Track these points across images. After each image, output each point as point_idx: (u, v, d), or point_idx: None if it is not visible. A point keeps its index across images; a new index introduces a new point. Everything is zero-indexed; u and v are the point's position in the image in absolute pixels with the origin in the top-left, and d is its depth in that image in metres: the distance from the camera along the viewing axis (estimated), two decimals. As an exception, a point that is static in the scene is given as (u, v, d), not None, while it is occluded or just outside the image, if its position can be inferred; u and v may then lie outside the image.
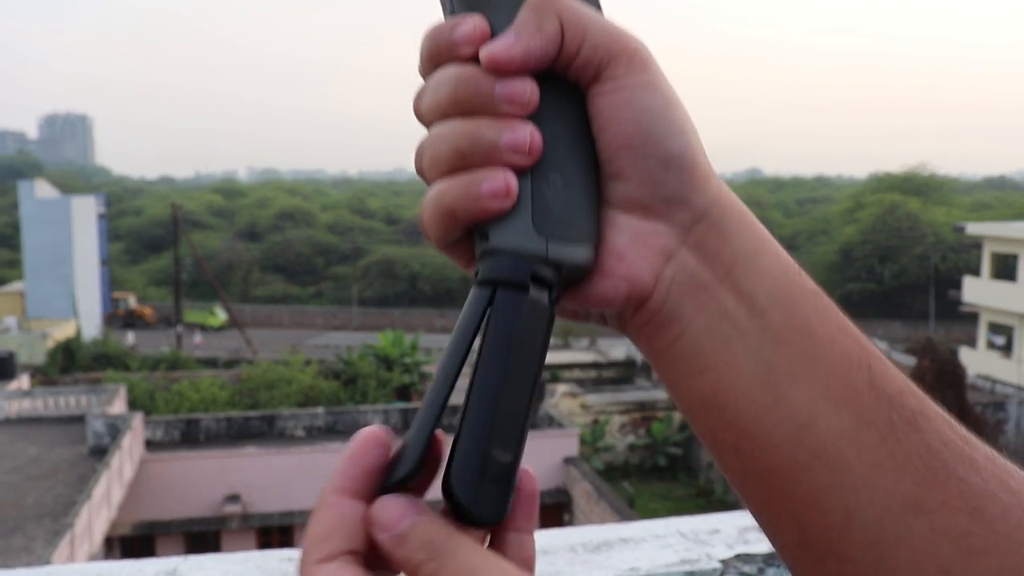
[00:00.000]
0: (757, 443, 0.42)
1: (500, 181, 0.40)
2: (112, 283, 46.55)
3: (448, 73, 0.42)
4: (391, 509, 0.37)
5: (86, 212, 40.83)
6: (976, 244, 29.20)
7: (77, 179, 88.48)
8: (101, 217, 43.22)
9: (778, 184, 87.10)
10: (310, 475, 17.49)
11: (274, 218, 60.71)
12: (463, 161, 0.41)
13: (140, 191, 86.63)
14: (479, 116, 0.41)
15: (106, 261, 44.36)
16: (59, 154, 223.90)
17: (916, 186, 51.10)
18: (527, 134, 0.41)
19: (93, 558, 13.78)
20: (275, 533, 18.22)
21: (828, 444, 0.41)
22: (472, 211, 0.41)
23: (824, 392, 0.41)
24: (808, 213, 61.14)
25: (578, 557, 1.12)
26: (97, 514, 14.39)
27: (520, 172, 0.41)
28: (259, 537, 18.20)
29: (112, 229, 53.11)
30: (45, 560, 11.65)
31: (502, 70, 0.41)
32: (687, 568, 1.09)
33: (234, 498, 17.73)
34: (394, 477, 0.37)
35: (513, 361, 0.38)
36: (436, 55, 0.43)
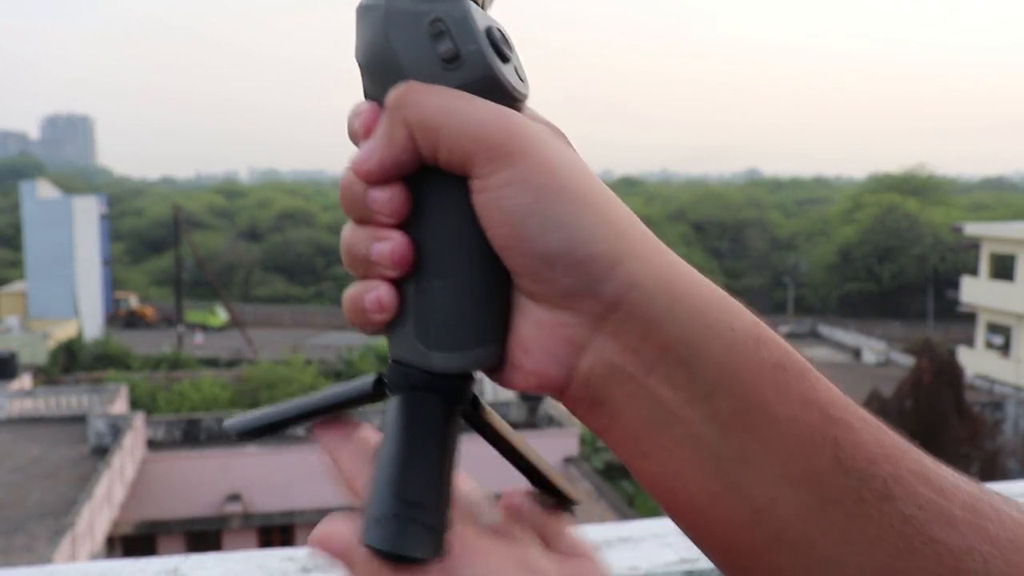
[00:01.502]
0: (712, 526, 0.39)
1: (374, 297, 0.41)
2: (114, 283, 46.54)
3: (343, 175, 0.42)
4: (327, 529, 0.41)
5: (88, 212, 40.82)
6: (974, 244, 29.22)
7: (79, 180, 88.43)
8: (103, 217, 43.18)
9: (777, 185, 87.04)
10: (311, 475, 17.53)
11: (275, 218, 60.65)
12: (352, 269, 0.42)
13: (141, 192, 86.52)
14: (362, 223, 0.42)
15: (108, 261, 44.35)
16: (61, 155, 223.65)
17: (915, 187, 51.11)
18: (388, 248, 0.40)
19: (95, 557, 13.83)
20: (276, 532, 18.27)
21: (790, 526, 0.38)
22: (363, 324, 0.42)
23: (782, 475, 0.38)
24: (807, 214, 61.07)
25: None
26: (99, 513, 14.44)
27: (399, 281, 0.41)
28: (260, 536, 18.24)
29: (114, 229, 53.05)
30: (47, 559, 11.70)
31: (365, 181, 0.40)
32: (687, 567, 1.10)
33: (235, 497, 17.78)
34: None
35: (402, 450, 0.40)
36: (351, 138, 0.43)
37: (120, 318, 43.91)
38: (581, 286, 0.38)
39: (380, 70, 0.41)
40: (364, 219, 0.41)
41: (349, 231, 0.42)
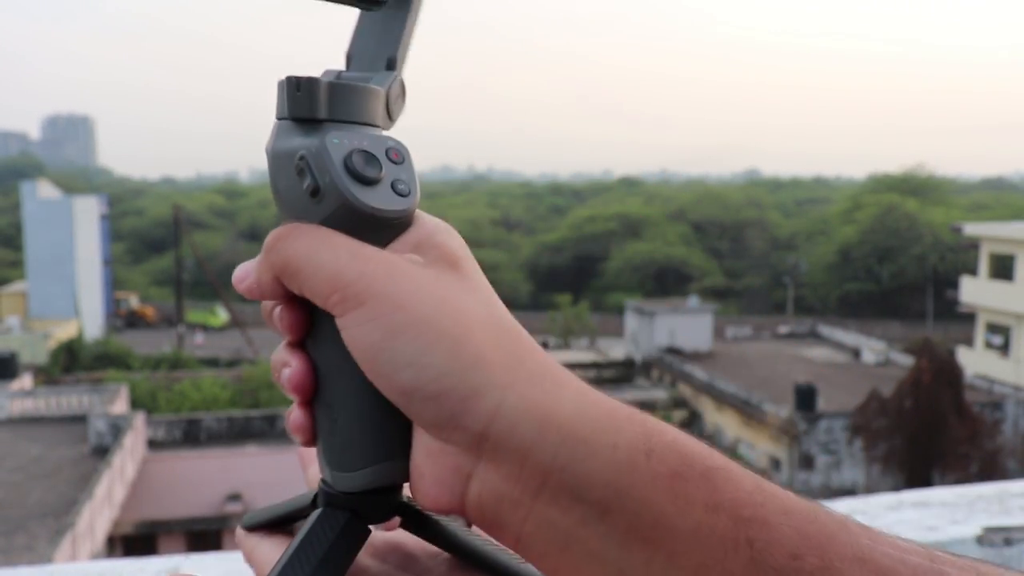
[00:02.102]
0: None
1: (291, 419, 0.44)
2: (114, 283, 46.57)
3: None
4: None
5: (88, 213, 40.84)
6: (974, 244, 29.24)
7: (79, 180, 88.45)
8: (103, 217, 43.21)
9: (777, 185, 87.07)
10: (311, 475, 17.49)
11: (275, 219, 60.45)
12: (279, 388, 0.45)
13: (142, 192, 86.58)
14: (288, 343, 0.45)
15: (108, 261, 44.37)
16: (61, 155, 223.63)
17: (914, 187, 51.19)
18: (287, 374, 0.43)
19: (95, 557, 13.84)
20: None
21: None
22: (297, 440, 0.45)
23: None
24: (806, 214, 61.12)
25: None
26: (99, 513, 14.46)
27: (312, 401, 0.44)
28: (260, 536, 18.24)
29: (114, 229, 53.07)
30: (48, 559, 11.72)
31: (246, 296, 0.45)
32: None
33: (235, 497, 17.78)
34: None
35: (286, 564, 0.42)
36: None
37: (120, 318, 43.94)
38: (444, 419, 0.39)
39: (276, 205, 0.45)
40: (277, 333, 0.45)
41: (276, 350, 0.46)
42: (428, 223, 0.45)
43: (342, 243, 0.41)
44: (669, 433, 0.39)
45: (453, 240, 0.45)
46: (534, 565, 0.40)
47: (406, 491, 0.46)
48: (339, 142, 0.42)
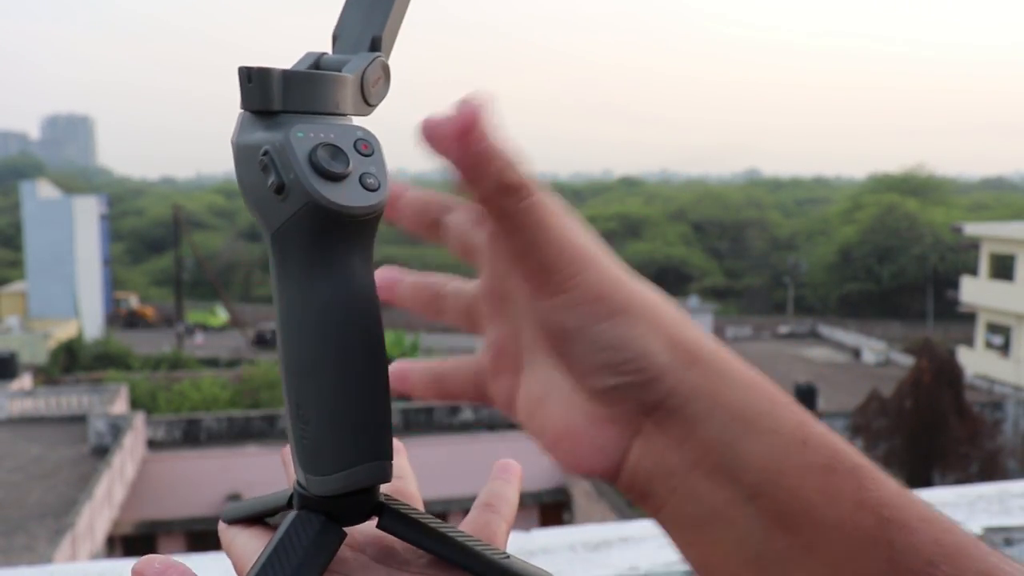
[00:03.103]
0: None
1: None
2: (114, 283, 46.55)
3: None
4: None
5: (88, 212, 40.81)
6: (974, 244, 29.23)
7: (79, 180, 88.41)
8: (103, 217, 43.19)
9: (777, 185, 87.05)
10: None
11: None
12: None
13: (142, 191, 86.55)
14: None
15: (108, 261, 44.36)
16: (61, 155, 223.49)
17: (914, 187, 51.19)
18: None
19: (95, 557, 13.84)
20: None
21: None
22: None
23: None
24: (807, 214, 61.12)
25: (578, 556, 1.15)
26: (99, 513, 14.45)
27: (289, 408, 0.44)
28: (260, 536, 18.24)
29: (114, 229, 53.06)
30: (47, 559, 11.71)
31: None
32: (687, 567, 1.11)
33: (235, 497, 17.77)
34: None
35: (265, 567, 0.42)
36: None
37: (120, 318, 43.90)
38: (622, 393, 0.40)
39: (244, 201, 0.44)
40: None
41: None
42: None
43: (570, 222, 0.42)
44: (820, 425, 0.40)
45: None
46: (671, 533, 0.42)
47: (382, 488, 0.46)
48: (304, 136, 0.41)
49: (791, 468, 0.39)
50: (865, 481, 0.39)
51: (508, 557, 0.47)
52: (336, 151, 0.41)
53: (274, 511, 0.48)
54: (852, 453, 0.40)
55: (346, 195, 0.41)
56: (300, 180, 0.40)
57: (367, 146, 0.43)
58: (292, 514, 0.44)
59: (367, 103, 0.44)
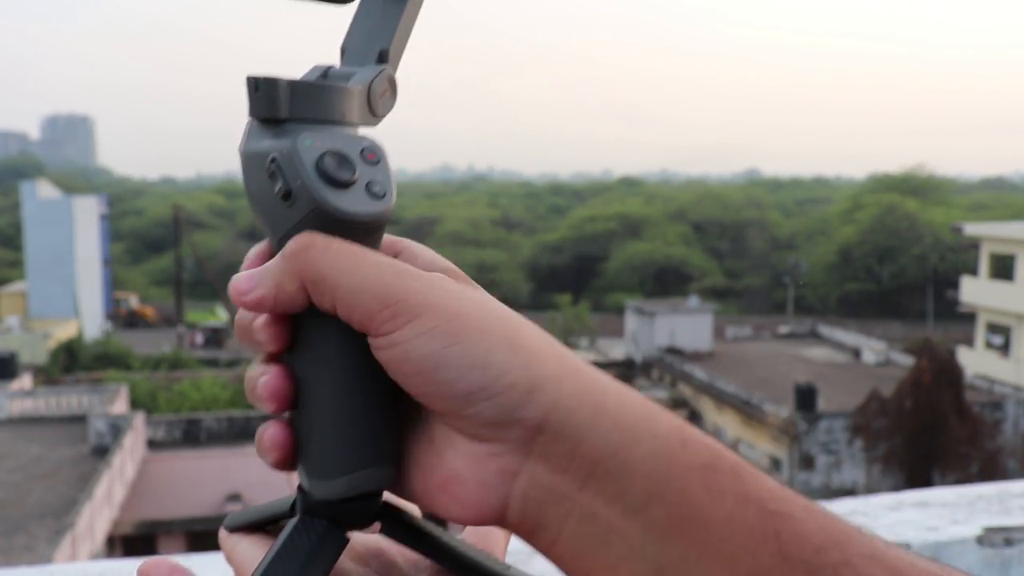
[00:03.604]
0: None
1: (268, 434, 0.43)
2: (114, 283, 46.57)
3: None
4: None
5: (88, 212, 40.85)
6: (974, 244, 29.26)
7: (79, 180, 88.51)
8: (103, 217, 43.21)
9: (777, 185, 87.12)
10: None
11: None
12: (251, 400, 0.44)
13: (142, 191, 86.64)
14: (257, 351, 0.44)
15: (108, 261, 44.38)
16: (61, 155, 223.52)
17: (914, 187, 51.23)
18: (264, 382, 0.42)
19: (95, 557, 13.84)
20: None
21: None
22: (265, 459, 0.44)
23: None
24: (807, 214, 61.16)
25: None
26: (99, 513, 14.46)
27: (284, 411, 0.44)
28: (260, 536, 18.25)
29: (114, 229, 53.07)
30: (47, 559, 11.72)
31: (241, 307, 0.43)
32: None
33: (235, 497, 17.78)
34: None
35: (267, 571, 0.42)
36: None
37: (120, 318, 43.93)
38: (504, 416, 0.39)
39: (251, 207, 0.44)
40: (255, 346, 0.44)
41: (253, 364, 0.44)
42: (422, 250, 0.46)
43: (381, 260, 0.42)
44: (694, 428, 0.41)
45: (450, 262, 0.46)
46: (566, 567, 0.41)
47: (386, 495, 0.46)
48: (311, 144, 0.41)
49: (675, 470, 0.39)
50: (746, 476, 0.39)
51: (509, 568, 0.47)
52: (343, 159, 0.42)
53: (277, 518, 0.48)
54: (729, 452, 0.40)
55: (352, 202, 0.41)
56: (307, 187, 0.41)
57: (373, 155, 0.43)
58: (294, 520, 0.44)
59: (373, 114, 0.45)
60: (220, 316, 44.06)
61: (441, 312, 0.40)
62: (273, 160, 0.41)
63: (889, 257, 45.99)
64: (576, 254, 54.34)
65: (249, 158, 0.43)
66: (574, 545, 0.40)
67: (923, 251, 45.03)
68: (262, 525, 0.50)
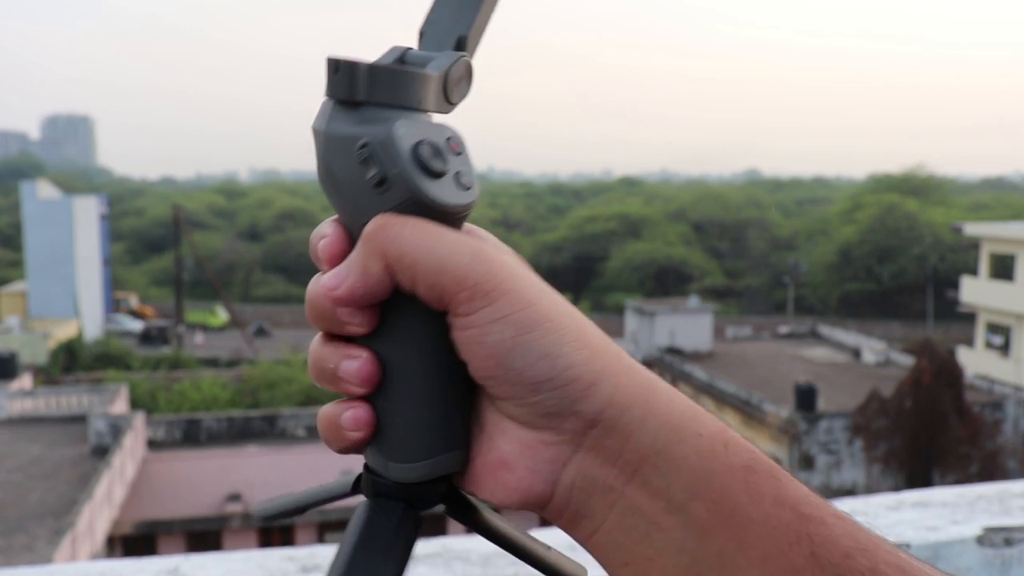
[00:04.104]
0: None
1: (351, 415, 0.43)
2: (114, 283, 46.55)
3: (310, 287, 0.44)
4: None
5: (88, 212, 40.82)
6: (974, 244, 29.24)
7: (79, 180, 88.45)
8: (103, 217, 43.19)
9: (777, 185, 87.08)
10: (311, 474, 17.53)
11: (275, 218, 60.69)
12: (320, 382, 0.45)
13: (142, 192, 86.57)
14: (330, 335, 0.44)
15: (108, 261, 44.35)
16: (61, 155, 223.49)
17: (914, 187, 51.17)
18: (355, 366, 0.43)
19: (95, 557, 13.84)
20: (276, 532, 18.28)
21: None
22: (339, 441, 0.44)
23: None
24: (807, 214, 61.12)
25: (578, 556, 1.15)
26: (99, 513, 14.45)
27: (366, 396, 0.44)
28: (260, 536, 18.26)
29: (114, 229, 53.04)
30: (47, 559, 11.70)
31: (335, 306, 0.43)
32: None
33: (235, 497, 17.79)
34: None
35: (349, 555, 0.43)
36: (312, 257, 0.45)
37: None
38: (563, 407, 0.41)
39: (328, 190, 0.43)
40: (332, 332, 0.44)
41: (318, 345, 0.45)
42: (486, 236, 0.45)
43: (459, 239, 0.42)
44: (733, 431, 0.43)
45: (511, 250, 0.46)
46: (604, 556, 0.42)
47: None
48: (405, 131, 0.41)
49: (718, 469, 0.40)
50: (783, 480, 0.41)
51: (549, 549, 0.49)
52: (436, 148, 0.42)
53: (332, 499, 0.49)
54: (766, 457, 0.42)
55: (446, 193, 0.42)
56: (404, 175, 0.41)
57: (457, 145, 0.43)
58: (367, 503, 0.45)
59: (448, 102, 0.44)
60: (220, 316, 44.06)
61: (517, 299, 0.41)
62: (365, 145, 0.41)
63: (889, 257, 45.96)
64: (576, 254, 54.31)
65: (333, 140, 0.42)
66: (615, 536, 0.41)
67: (923, 251, 45.00)
68: (305, 509, 0.50)
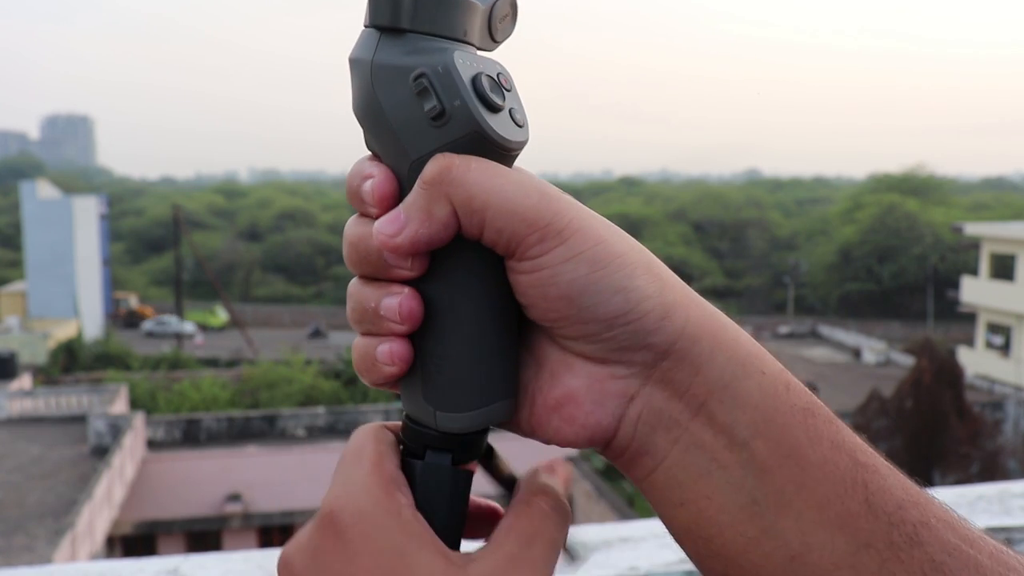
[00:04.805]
0: (745, 572, 0.40)
1: (386, 349, 0.42)
2: (113, 283, 46.53)
3: (350, 230, 0.43)
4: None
5: (88, 212, 40.81)
6: (974, 244, 29.24)
7: (79, 179, 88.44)
8: (102, 217, 43.18)
9: (777, 185, 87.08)
10: (311, 474, 17.53)
11: (275, 218, 60.70)
12: (361, 324, 0.43)
13: (141, 191, 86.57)
14: (374, 278, 0.42)
15: (107, 261, 44.34)
16: (61, 155, 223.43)
17: (914, 186, 51.17)
18: (397, 302, 0.41)
19: (95, 557, 13.84)
20: (276, 532, 18.27)
21: (824, 572, 0.39)
22: (373, 376, 0.43)
23: (817, 519, 0.39)
24: (807, 214, 61.11)
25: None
26: (99, 513, 14.45)
27: (408, 336, 0.42)
28: (260, 536, 18.24)
29: (113, 229, 53.04)
30: (47, 559, 11.70)
31: (391, 253, 0.41)
32: (687, 567, 1.10)
33: (235, 497, 17.77)
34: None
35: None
36: (351, 198, 0.43)
37: (120, 318, 43.91)
38: (636, 340, 0.40)
39: (372, 125, 0.41)
40: (375, 275, 0.42)
41: (357, 286, 0.43)
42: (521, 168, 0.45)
43: (524, 179, 0.40)
44: (794, 375, 0.42)
45: None
46: (660, 496, 0.42)
47: None
48: (464, 62, 0.39)
49: (779, 408, 0.40)
50: (839, 426, 0.41)
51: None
52: (494, 82, 0.40)
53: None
54: (823, 403, 0.42)
55: (505, 128, 0.40)
56: (467, 107, 0.38)
57: (507, 81, 0.41)
58: (420, 464, 0.43)
59: (492, 39, 0.42)
60: (220, 316, 44.05)
61: (588, 236, 0.40)
62: (422, 75, 0.38)
63: (889, 257, 45.96)
64: None
65: (382, 70, 0.39)
66: (675, 473, 0.41)
67: (923, 251, 45.00)
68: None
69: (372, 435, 0.44)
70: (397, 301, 0.41)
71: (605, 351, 0.41)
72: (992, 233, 27.72)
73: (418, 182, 0.40)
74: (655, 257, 0.43)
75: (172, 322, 40.60)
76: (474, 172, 0.39)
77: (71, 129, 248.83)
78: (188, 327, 40.90)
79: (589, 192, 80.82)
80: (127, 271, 54.29)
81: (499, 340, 0.42)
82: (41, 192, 40.71)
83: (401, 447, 0.45)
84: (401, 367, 0.42)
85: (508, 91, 0.41)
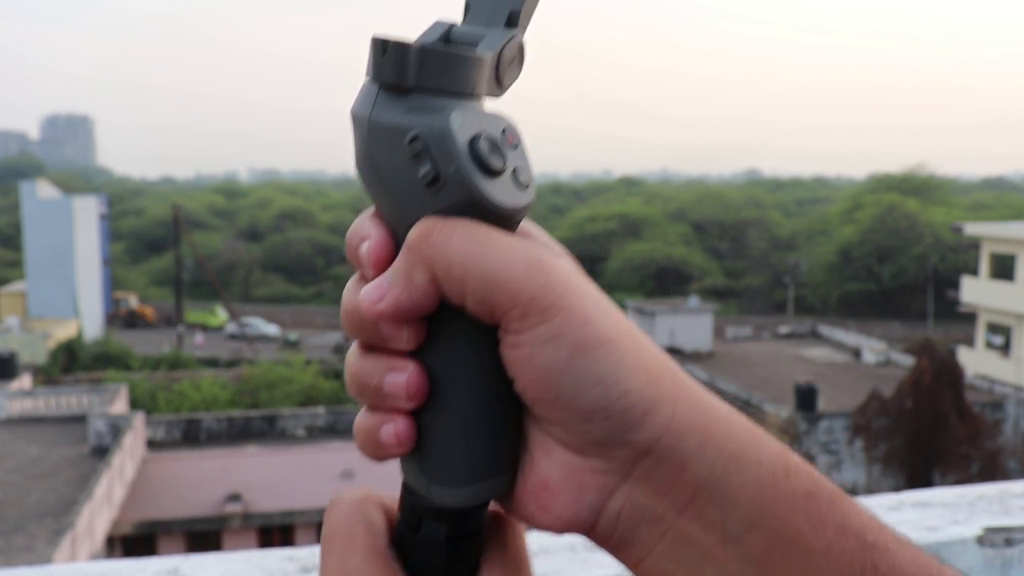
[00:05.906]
0: None
1: (391, 430, 0.40)
2: (113, 283, 46.56)
3: (347, 296, 0.41)
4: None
5: (88, 212, 40.83)
6: (974, 244, 29.24)
7: (79, 179, 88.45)
8: (102, 217, 43.20)
9: (777, 184, 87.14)
10: (311, 474, 17.56)
11: (275, 218, 60.75)
12: (362, 398, 0.41)
13: (141, 191, 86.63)
14: (371, 349, 0.41)
15: (107, 261, 44.36)
16: (61, 155, 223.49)
17: (914, 186, 51.22)
18: (403, 380, 0.39)
19: (95, 557, 13.84)
20: (276, 532, 18.28)
21: None
22: (376, 454, 0.41)
23: None
24: (807, 214, 61.14)
25: (577, 556, 1.13)
26: (99, 513, 14.45)
27: (412, 412, 0.40)
28: (260, 536, 18.25)
29: (113, 229, 53.07)
30: (47, 559, 11.71)
31: (376, 320, 0.39)
32: None
33: (235, 497, 17.78)
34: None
35: None
36: (351, 258, 0.41)
37: (120, 318, 43.92)
38: (615, 436, 0.38)
39: (370, 184, 0.39)
40: (373, 345, 0.40)
41: (357, 358, 0.41)
42: (539, 234, 0.42)
43: (513, 246, 0.38)
44: (795, 454, 0.40)
45: (564, 250, 0.43)
46: None
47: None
48: (462, 123, 0.37)
49: (778, 498, 0.38)
50: (845, 505, 0.39)
51: None
52: (494, 143, 0.38)
53: None
54: (828, 481, 0.39)
55: (504, 192, 0.38)
56: (461, 174, 0.37)
57: (513, 137, 0.39)
58: (413, 538, 0.42)
59: (499, 85, 0.40)
60: (220, 316, 44.07)
61: (574, 316, 0.37)
62: (416, 138, 0.37)
63: (889, 257, 45.99)
64: (576, 254, 50.19)
65: (379, 129, 0.38)
66: (664, 566, 0.39)
67: (923, 251, 45.04)
68: None
69: (360, 515, 0.42)
70: (404, 379, 0.39)
71: (582, 443, 0.38)
72: (992, 233, 27.72)
73: (403, 246, 0.38)
74: (648, 341, 0.40)
75: (257, 324, 41.07)
76: (457, 238, 0.37)
77: (71, 129, 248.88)
78: (272, 329, 41.24)
79: (589, 192, 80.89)
80: (127, 271, 54.31)
81: (498, 414, 0.40)
82: (41, 192, 40.72)
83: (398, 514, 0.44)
84: (407, 447, 0.40)
85: (514, 148, 0.39)
